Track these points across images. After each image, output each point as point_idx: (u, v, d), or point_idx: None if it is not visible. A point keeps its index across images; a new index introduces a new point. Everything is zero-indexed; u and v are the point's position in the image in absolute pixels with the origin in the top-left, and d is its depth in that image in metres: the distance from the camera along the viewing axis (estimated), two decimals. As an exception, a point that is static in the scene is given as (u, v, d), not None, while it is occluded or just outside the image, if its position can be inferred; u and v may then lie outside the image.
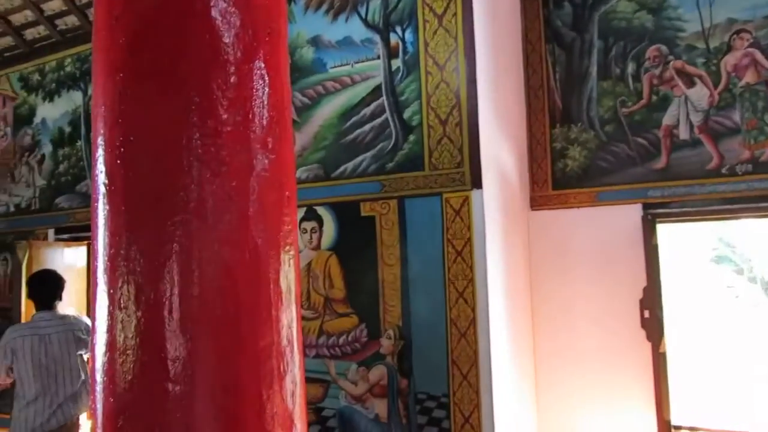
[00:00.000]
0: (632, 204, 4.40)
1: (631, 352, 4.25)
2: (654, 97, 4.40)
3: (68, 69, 5.40)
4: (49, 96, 5.50)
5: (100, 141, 1.39)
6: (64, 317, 3.65)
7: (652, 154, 4.37)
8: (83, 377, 3.57)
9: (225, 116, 1.38)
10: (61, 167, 5.32)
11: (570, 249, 4.56)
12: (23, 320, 4.71)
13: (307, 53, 4.17)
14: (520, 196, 4.55)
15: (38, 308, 3.64)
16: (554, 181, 4.70)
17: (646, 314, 4.18)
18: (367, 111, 3.92)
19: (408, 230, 3.70)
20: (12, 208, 5.60)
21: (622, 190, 4.45)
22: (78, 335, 3.59)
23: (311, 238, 4.01)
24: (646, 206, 4.35)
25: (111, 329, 1.36)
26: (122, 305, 1.36)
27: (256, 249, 1.40)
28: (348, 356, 3.82)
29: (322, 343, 3.90)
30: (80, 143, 5.22)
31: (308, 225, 4.03)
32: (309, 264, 4.00)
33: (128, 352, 1.35)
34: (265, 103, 1.43)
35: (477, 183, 3.55)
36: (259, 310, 1.37)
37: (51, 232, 5.28)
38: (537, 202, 4.72)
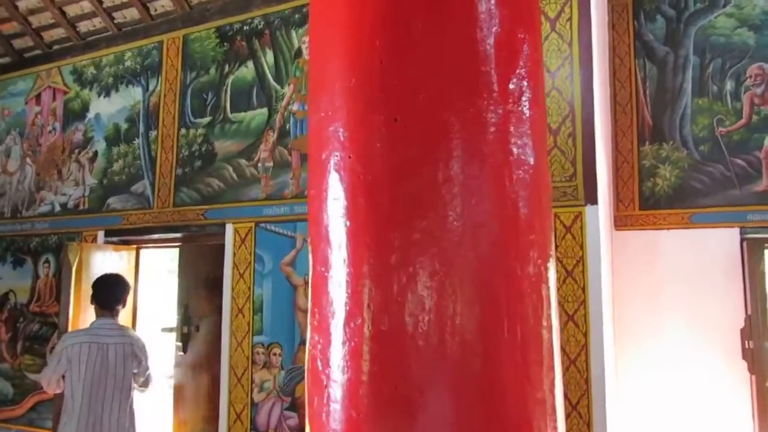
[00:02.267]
0: (729, 227, 4.16)
1: (730, 386, 3.97)
2: (755, 117, 4.18)
3: (128, 63, 5.16)
4: (105, 91, 5.25)
5: (335, 154, 1.17)
6: (124, 329, 3.41)
7: (752, 176, 4.13)
8: (132, 398, 3.30)
9: (491, 130, 1.15)
10: (116, 166, 5.05)
11: (658, 272, 4.30)
12: (70, 329, 4.41)
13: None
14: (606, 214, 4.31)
15: (99, 314, 3.36)
16: (642, 200, 4.46)
17: (750, 345, 3.91)
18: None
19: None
20: (58, 208, 5.32)
21: (719, 212, 4.21)
22: (135, 351, 3.30)
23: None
24: (744, 230, 4.11)
25: (354, 355, 1.11)
26: (365, 325, 1.12)
27: (522, 260, 1.15)
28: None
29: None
30: (138, 141, 4.96)
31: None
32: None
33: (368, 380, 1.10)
34: (527, 114, 1.21)
35: (591, 198, 3.31)
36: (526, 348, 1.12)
37: (101, 234, 4.99)
38: (622, 221, 4.47)
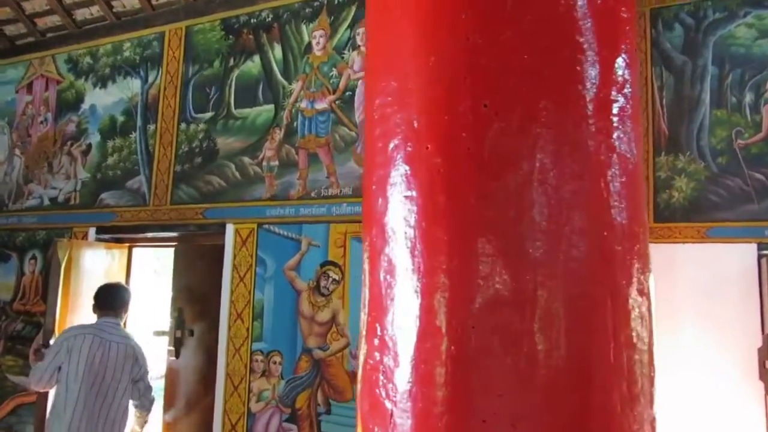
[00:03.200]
0: (746, 243, 4.05)
1: (747, 406, 3.85)
2: (775, 131, 4.08)
3: (127, 54, 4.95)
4: (101, 81, 5.03)
5: (407, 145, 1.01)
6: (127, 334, 3.24)
7: (771, 192, 4.03)
8: (128, 404, 3.12)
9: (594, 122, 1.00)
10: (110, 160, 4.83)
11: (673, 287, 4.18)
12: (58, 330, 4.17)
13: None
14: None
15: (101, 315, 3.22)
16: (657, 212, 4.34)
17: (768, 365, 3.80)
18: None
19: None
20: (47, 202, 5.08)
21: (736, 227, 4.10)
22: (137, 355, 3.13)
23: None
24: (762, 246, 4.00)
25: (430, 382, 0.95)
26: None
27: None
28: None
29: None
30: (135, 135, 4.75)
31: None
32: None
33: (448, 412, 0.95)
34: (629, 105, 1.05)
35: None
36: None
37: (92, 231, 4.76)
38: (635, 234, 4.34)
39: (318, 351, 3.74)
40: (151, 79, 4.78)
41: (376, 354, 1.04)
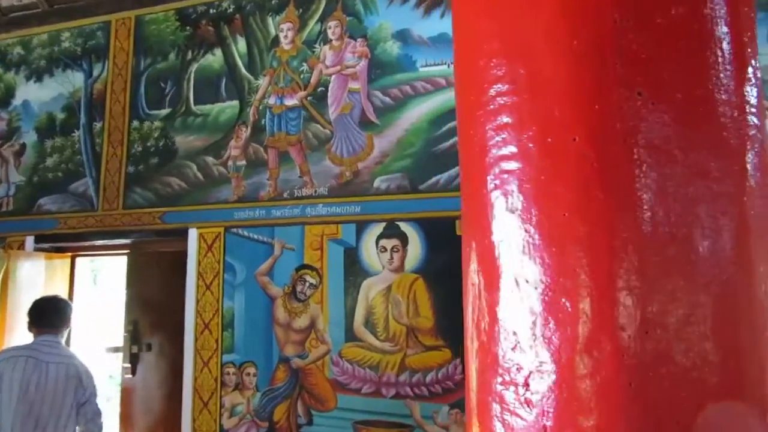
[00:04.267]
0: None
1: None
2: None
3: (66, 45, 4.52)
4: (36, 74, 4.57)
5: (547, 135, 0.91)
6: (68, 352, 2.91)
7: None
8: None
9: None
10: (49, 161, 4.39)
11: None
12: (-5, 347, 3.75)
13: (392, 48, 3.69)
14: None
15: (38, 333, 2.85)
16: None
17: None
18: (465, 118, 3.48)
19: (515, 254, 3.27)
20: (-27, 208, 4.56)
21: None
22: (80, 376, 2.78)
23: (392, 257, 3.48)
24: None
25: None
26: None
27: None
28: (438, 397, 3.29)
29: (404, 381, 3.35)
30: (78, 133, 4.34)
31: (389, 243, 3.50)
32: (388, 288, 3.46)
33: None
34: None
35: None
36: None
37: (29, 240, 4.30)
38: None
39: (296, 359, 3.56)
40: (96, 72, 4.40)
41: (509, 372, 0.94)
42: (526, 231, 0.94)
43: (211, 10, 4.17)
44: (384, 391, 3.36)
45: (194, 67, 4.14)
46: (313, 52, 3.88)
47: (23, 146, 4.49)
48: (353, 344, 3.45)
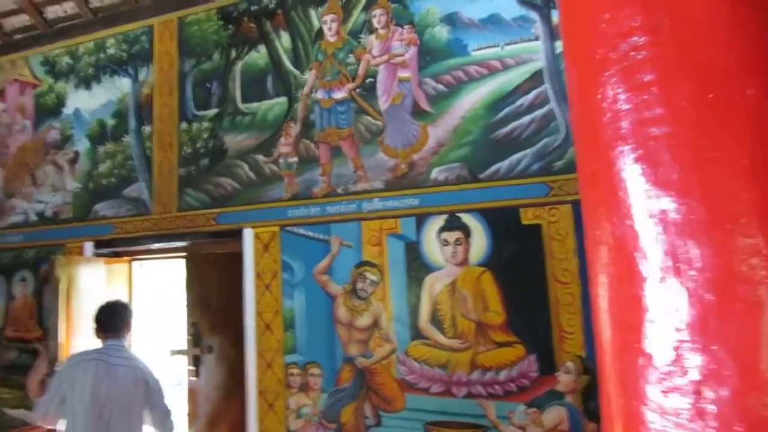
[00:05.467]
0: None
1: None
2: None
3: (111, 51, 4.53)
4: (84, 83, 4.60)
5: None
6: (135, 356, 2.91)
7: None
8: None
9: None
10: (102, 167, 4.41)
11: None
12: (61, 355, 3.78)
13: (441, 33, 3.53)
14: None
15: (105, 338, 2.87)
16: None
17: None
18: (524, 100, 3.31)
19: (587, 241, 3.08)
20: (33, 217, 4.63)
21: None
22: (147, 380, 2.80)
23: (455, 251, 3.33)
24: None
25: None
26: None
27: None
28: (513, 395, 3.13)
29: (475, 380, 3.20)
30: (128, 138, 4.35)
31: (451, 236, 3.35)
32: (453, 283, 3.31)
33: None
34: None
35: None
36: None
37: (88, 246, 4.34)
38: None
39: (361, 359, 3.46)
40: (142, 77, 4.39)
41: (672, 376, 0.79)
42: (686, 207, 0.78)
43: (252, 7, 4.09)
44: (455, 391, 3.22)
45: (239, 65, 4.08)
46: (359, 42, 3.76)
47: (77, 154, 4.53)
48: (420, 342, 3.33)
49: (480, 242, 3.29)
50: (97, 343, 2.89)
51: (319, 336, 3.57)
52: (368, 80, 3.69)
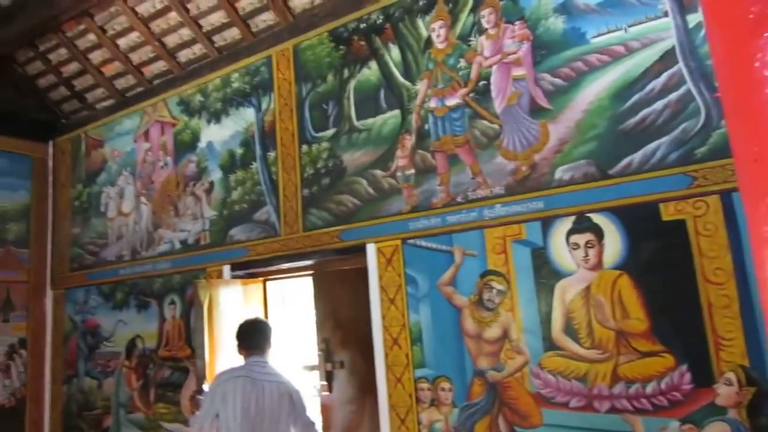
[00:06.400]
0: None
1: None
2: None
3: (236, 85, 4.83)
4: (215, 117, 4.95)
5: None
6: (277, 372, 3.02)
7: None
8: None
9: None
10: (234, 194, 4.70)
11: None
12: (208, 372, 4.04)
13: (556, 24, 3.34)
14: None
15: (248, 355, 3.02)
16: None
17: None
18: (656, 84, 3.02)
19: (743, 234, 2.72)
20: (178, 245, 5.04)
21: None
22: (291, 394, 2.92)
23: (587, 254, 3.10)
24: None
25: None
26: None
27: None
28: (664, 410, 2.83)
29: (619, 393, 2.94)
30: (256, 164, 4.59)
31: (581, 238, 3.13)
32: (587, 288, 3.08)
33: None
34: None
35: None
36: None
37: (226, 269, 4.64)
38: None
39: (492, 372, 3.32)
40: (264, 105, 4.63)
41: None
42: None
43: (361, 25, 4.16)
44: (597, 405, 2.98)
45: (352, 83, 4.15)
46: (469, 45, 3.67)
47: (212, 184, 4.87)
48: (554, 353, 3.13)
49: (614, 243, 3.03)
50: (240, 360, 3.06)
51: (448, 349, 3.48)
52: (481, 83, 3.59)
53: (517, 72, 3.46)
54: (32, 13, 5.31)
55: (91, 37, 5.46)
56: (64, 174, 6.17)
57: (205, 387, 3.77)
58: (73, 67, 5.86)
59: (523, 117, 3.39)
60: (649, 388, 2.87)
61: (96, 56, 5.63)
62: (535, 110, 3.37)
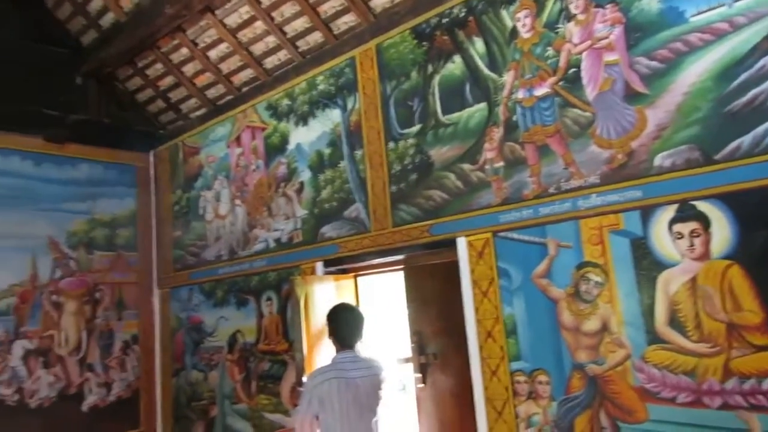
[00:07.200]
0: None
1: None
2: None
3: (321, 87, 4.98)
4: (303, 119, 5.12)
5: None
6: (368, 360, 3.07)
7: None
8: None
9: None
10: (324, 193, 4.85)
11: None
12: (307, 366, 4.20)
13: (651, 5, 3.21)
14: None
15: (339, 348, 3.07)
16: None
17: None
18: (766, 62, 2.84)
19: None
20: (272, 244, 5.26)
21: None
22: (380, 386, 3.01)
23: (692, 244, 2.97)
24: None
25: None
26: None
27: None
28: (784, 407, 2.67)
29: (732, 389, 2.80)
30: (343, 163, 4.72)
31: (685, 227, 3.00)
32: (693, 279, 2.95)
33: None
34: None
35: None
36: None
37: (319, 265, 4.80)
38: None
39: (592, 366, 3.26)
40: (349, 105, 4.74)
41: None
42: None
43: (443, 20, 4.16)
44: (707, 401, 2.86)
45: (437, 79, 4.17)
46: (557, 33, 3.59)
47: (302, 184, 5.05)
48: (658, 347, 3.03)
49: (723, 232, 2.88)
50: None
51: (544, 342, 3.45)
52: (571, 71, 3.50)
53: (610, 57, 3.35)
54: (131, 33, 5.70)
55: (184, 50, 5.79)
56: (165, 181, 6.59)
57: (304, 379, 3.92)
58: (168, 80, 6.23)
59: (618, 103, 3.29)
60: (767, 384, 2.72)
61: (189, 68, 5.97)
62: (631, 96, 3.25)
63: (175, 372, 6.14)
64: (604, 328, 3.23)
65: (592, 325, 3.27)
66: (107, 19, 6.00)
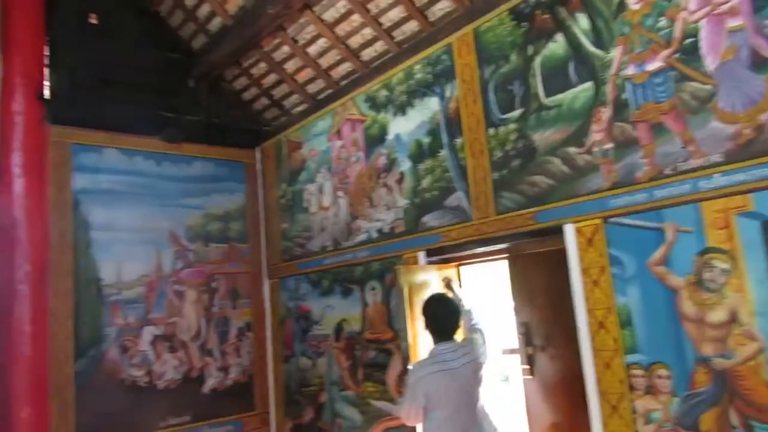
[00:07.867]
0: None
1: None
2: None
3: (418, 76, 4.96)
4: (401, 109, 5.13)
5: None
6: (467, 346, 3.14)
7: None
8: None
9: None
10: (424, 183, 4.85)
11: None
12: (412, 354, 4.23)
13: (782, -39, 2.87)
14: None
15: (437, 340, 3.13)
16: None
17: None
18: None
19: None
20: (375, 234, 5.35)
21: None
22: (479, 370, 3.09)
23: (839, 225, 2.65)
24: None
25: None
26: None
27: None
28: None
29: None
30: (443, 152, 4.68)
31: (829, 206, 2.67)
32: (840, 265, 2.64)
33: None
34: None
35: None
36: None
37: (421, 255, 4.81)
38: None
39: (719, 360, 3.01)
40: (447, 93, 4.68)
41: None
42: None
43: (543, -2, 4.00)
44: None
45: (538, 60, 4.02)
46: (670, 1, 3.32)
47: (402, 174, 5.07)
48: (798, 339, 2.75)
49: None
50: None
51: (663, 334, 3.23)
52: (687, 41, 3.24)
53: (733, 23, 3.06)
54: (236, 35, 5.99)
55: (285, 48, 5.99)
56: (271, 175, 6.89)
57: (410, 367, 3.96)
58: (271, 78, 6.49)
59: (744, 73, 3.00)
60: None
61: (290, 66, 6.17)
62: (759, 64, 2.95)
63: (286, 358, 6.43)
64: (733, 319, 2.97)
65: (718, 315, 3.02)
66: (215, 24, 6.34)
